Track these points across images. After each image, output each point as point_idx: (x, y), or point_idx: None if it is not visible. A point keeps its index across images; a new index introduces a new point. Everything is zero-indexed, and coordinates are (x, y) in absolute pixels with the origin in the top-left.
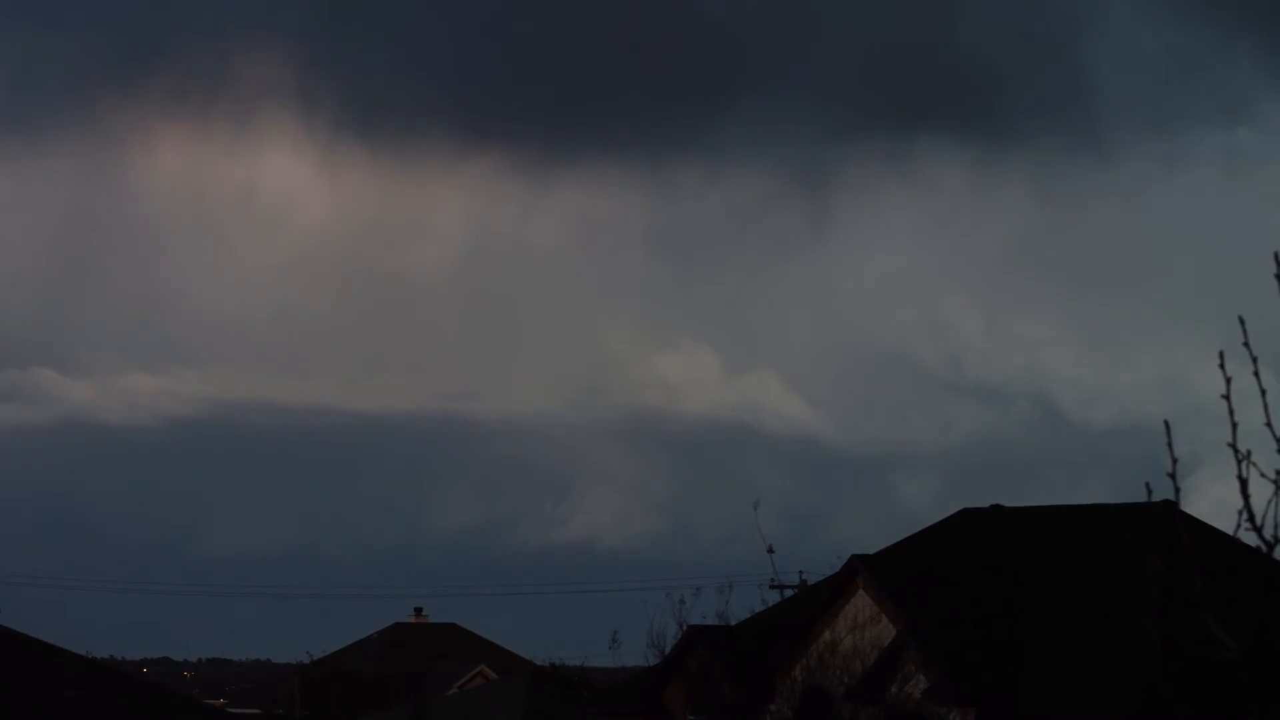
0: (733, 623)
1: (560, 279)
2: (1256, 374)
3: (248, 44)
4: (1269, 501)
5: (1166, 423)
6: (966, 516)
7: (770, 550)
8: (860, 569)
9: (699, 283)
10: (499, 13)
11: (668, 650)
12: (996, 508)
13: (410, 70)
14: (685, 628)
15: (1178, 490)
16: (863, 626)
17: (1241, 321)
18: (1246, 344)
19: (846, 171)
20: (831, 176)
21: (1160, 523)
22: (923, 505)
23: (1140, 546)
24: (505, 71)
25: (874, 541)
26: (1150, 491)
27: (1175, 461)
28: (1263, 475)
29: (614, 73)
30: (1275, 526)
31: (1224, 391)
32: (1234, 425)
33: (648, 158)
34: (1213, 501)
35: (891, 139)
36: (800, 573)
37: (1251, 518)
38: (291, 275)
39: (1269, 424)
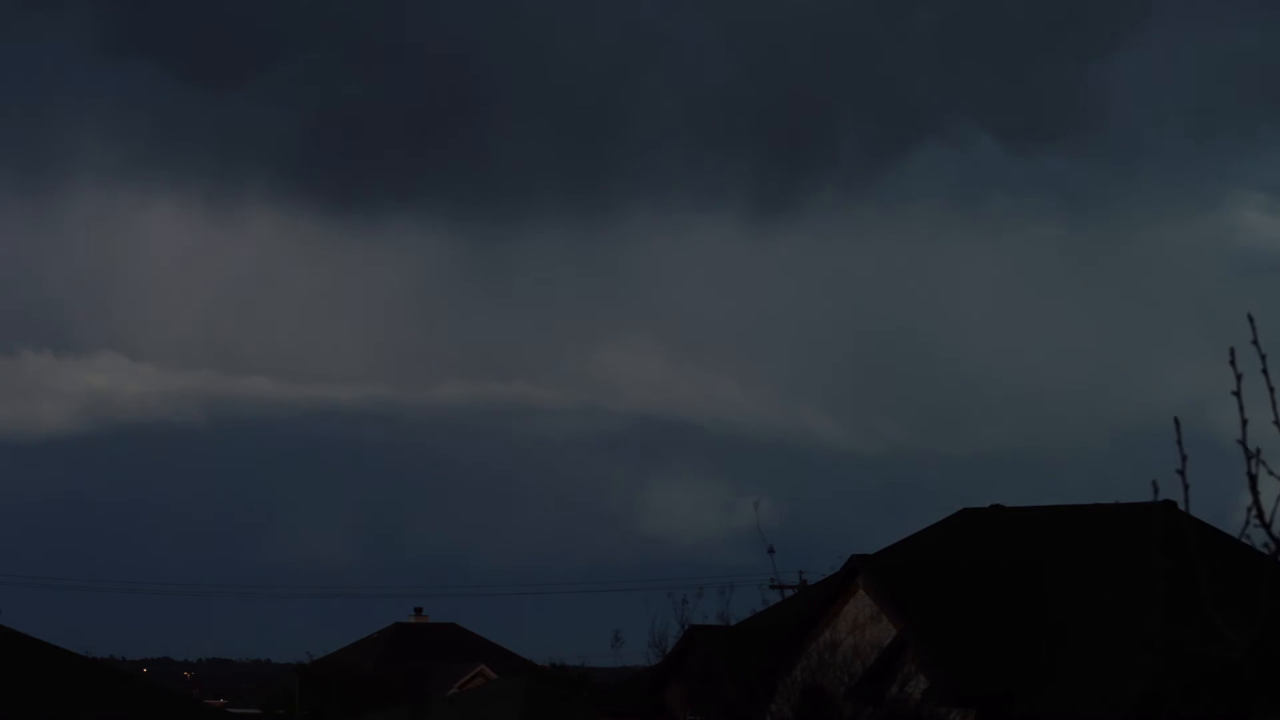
0: (733, 623)
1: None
2: (1265, 371)
3: None
4: (1277, 499)
5: (1176, 420)
6: (966, 516)
7: (771, 550)
8: (860, 569)
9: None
10: None
11: (668, 650)
12: (996, 508)
13: None
14: (686, 628)
15: (1187, 487)
16: (863, 626)
17: (1250, 320)
18: (1255, 342)
19: None
20: None
21: (1161, 522)
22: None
23: (1141, 546)
24: None
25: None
26: (1156, 490)
27: (1184, 459)
28: (1270, 473)
29: None
30: None
31: (1234, 388)
32: (1244, 422)
33: None
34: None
35: None
36: (800, 573)
37: (1260, 514)
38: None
39: (1276, 421)
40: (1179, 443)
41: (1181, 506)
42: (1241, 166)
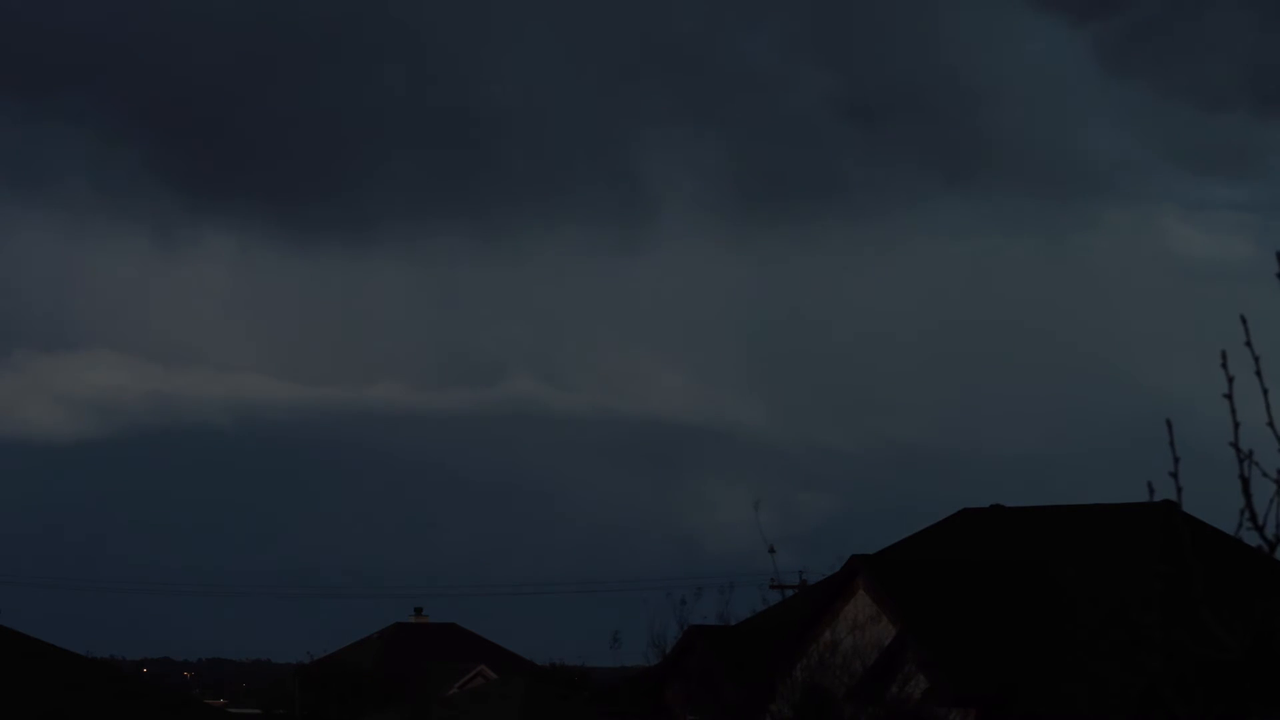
0: (733, 623)
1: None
2: (1259, 373)
3: None
4: (1270, 501)
5: (1169, 421)
6: (966, 516)
7: (772, 550)
8: (860, 569)
9: None
10: None
11: (668, 650)
12: (996, 508)
13: None
14: (686, 628)
15: (1180, 490)
16: (863, 626)
17: (1243, 321)
18: (1249, 344)
19: None
20: None
21: (1160, 522)
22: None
23: (1140, 546)
24: None
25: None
26: (1152, 491)
27: (1177, 461)
28: (1265, 475)
29: None
30: (1277, 526)
31: (1226, 391)
32: (1236, 425)
33: None
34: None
35: None
36: (800, 573)
37: (1254, 517)
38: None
39: (1270, 423)
40: (1171, 444)
41: (1186, 508)
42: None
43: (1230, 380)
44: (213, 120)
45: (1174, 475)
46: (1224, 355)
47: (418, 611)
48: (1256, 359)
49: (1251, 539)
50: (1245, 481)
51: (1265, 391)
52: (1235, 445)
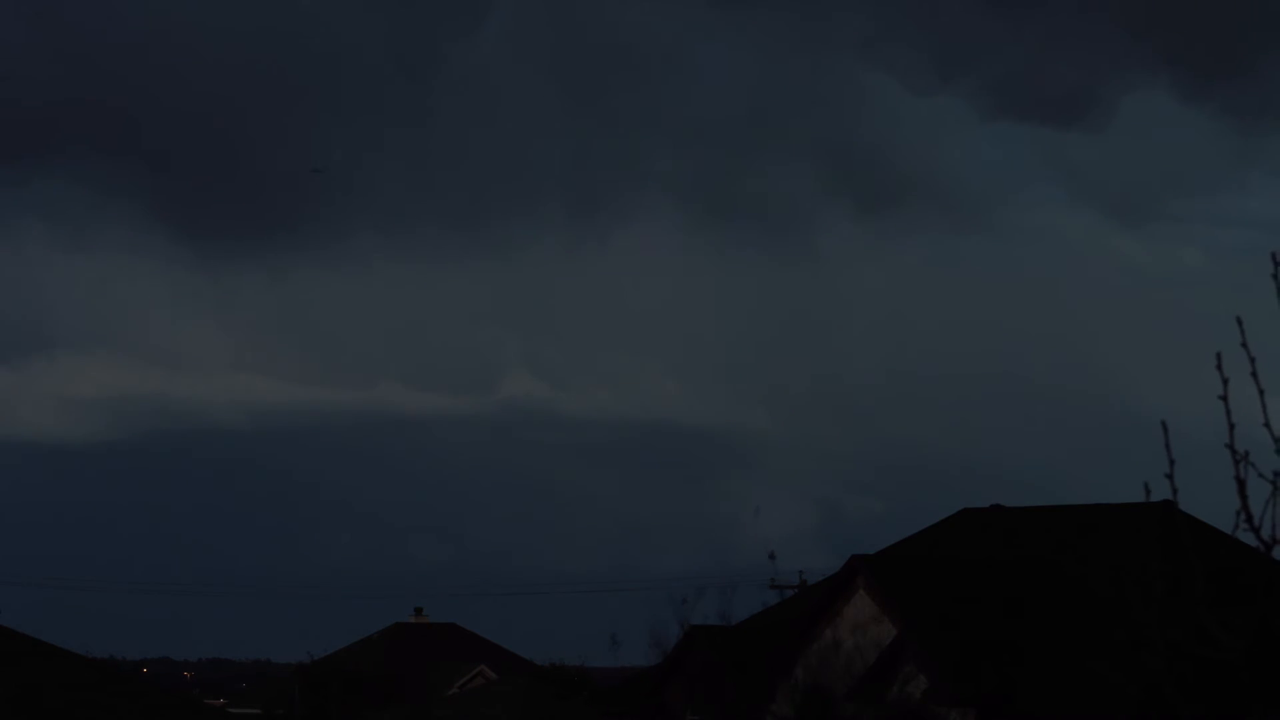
0: (733, 623)
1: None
2: (1255, 374)
3: None
4: (1266, 502)
5: (1164, 423)
6: (966, 516)
7: (772, 556)
8: (860, 569)
9: None
10: None
11: (669, 650)
12: (997, 507)
13: None
14: (686, 628)
15: (1175, 491)
16: (863, 626)
17: (1239, 322)
18: (1244, 345)
19: None
20: None
21: (1160, 522)
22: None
23: (1140, 546)
24: None
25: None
26: (1148, 491)
27: (1173, 462)
28: (1260, 476)
29: None
30: (1273, 526)
31: (1221, 392)
32: (1231, 426)
33: None
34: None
35: None
36: (800, 573)
37: (1249, 518)
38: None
39: (1266, 424)
40: (1167, 446)
41: (1181, 507)
42: None
43: (1225, 382)
44: (211, 126)
45: (1169, 477)
46: (1219, 357)
47: (418, 611)
48: (1253, 360)
49: (1248, 539)
50: (1241, 483)
51: (1261, 393)
52: (1230, 446)
